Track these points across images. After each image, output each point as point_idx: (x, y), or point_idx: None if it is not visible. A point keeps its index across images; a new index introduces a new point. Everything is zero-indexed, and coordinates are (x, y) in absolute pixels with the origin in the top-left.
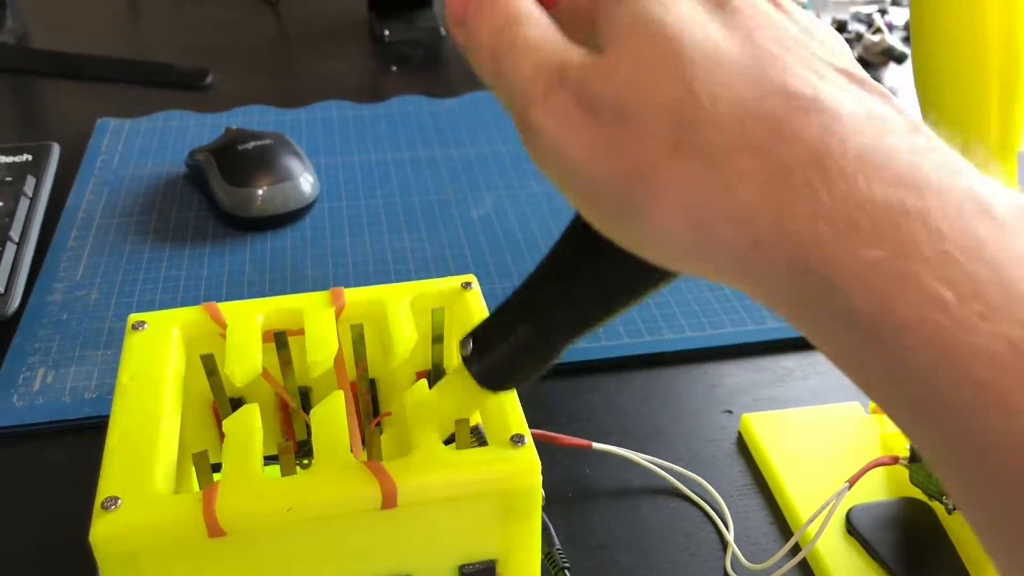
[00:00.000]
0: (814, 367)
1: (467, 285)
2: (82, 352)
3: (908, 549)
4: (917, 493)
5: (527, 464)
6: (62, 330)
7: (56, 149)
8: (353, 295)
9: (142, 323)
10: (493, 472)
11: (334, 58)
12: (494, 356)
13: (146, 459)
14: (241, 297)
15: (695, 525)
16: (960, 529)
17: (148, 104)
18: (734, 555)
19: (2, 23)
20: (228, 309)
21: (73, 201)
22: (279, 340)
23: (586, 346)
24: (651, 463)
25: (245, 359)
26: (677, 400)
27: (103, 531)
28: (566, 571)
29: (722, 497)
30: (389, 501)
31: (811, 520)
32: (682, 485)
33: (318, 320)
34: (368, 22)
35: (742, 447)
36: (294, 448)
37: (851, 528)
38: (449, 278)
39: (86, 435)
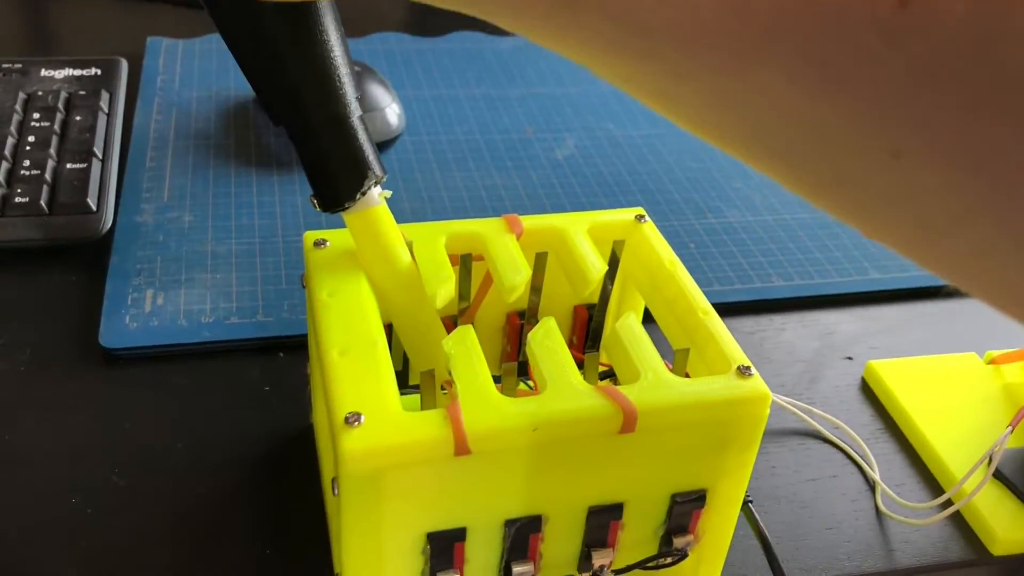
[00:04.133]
0: (922, 317)
1: (641, 218)
2: (189, 275)
3: None
4: None
5: (758, 393)
6: (162, 252)
7: (124, 65)
8: (530, 222)
9: (324, 241)
10: (726, 398)
11: None
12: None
13: (375, 376)
14: (340, 226)
15: (839, 467)
16: None
17: (192, 25)
18: (884, 493)
19: None
20: (409, 230)
21: (141, 121)
22: (464, 263)
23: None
24: (789, 404)
25: (442, 280)
26: (792, 346)
27: (352, 446)
28: (749, 504)
29: (860, 440)
30: (629, 425)
31: (977, 466)
32: (820, 427)
33: (503, 245)
34: None
35: (867, 393)
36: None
37: (999, 473)
38: (620, 210)
39: (208, 360)
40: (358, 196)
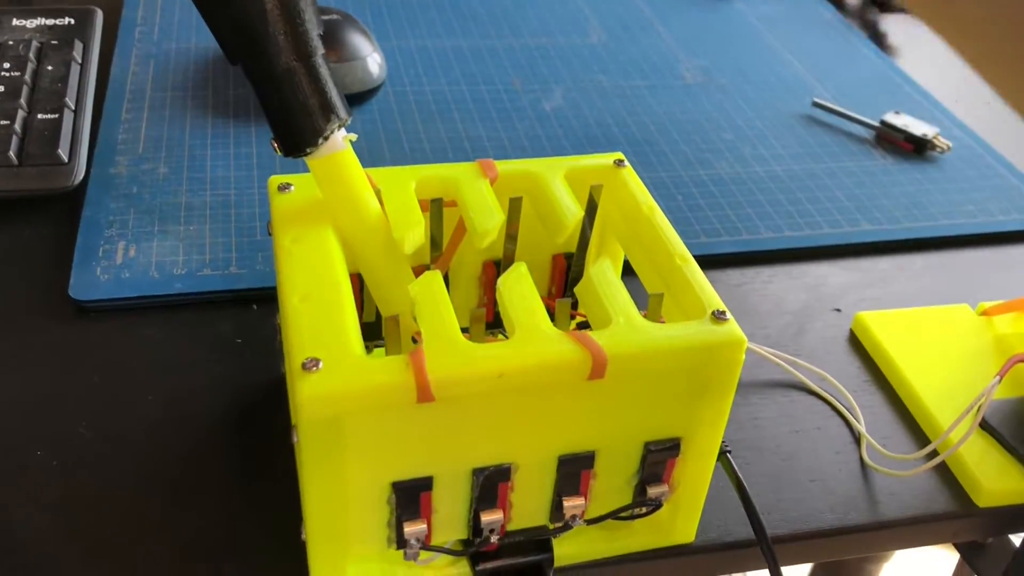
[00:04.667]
0: (913, 270)
1: (620, 163)
2: (162, 227)
3: None
4: None
5: (733, 338)
6: (135, 203)
7: (99, 15)
8: (505, 167)
9: (288, 185)
10: (702, 343)
11: None
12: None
13: (337, 321)
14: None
15: (824, 418)
16: None
17: None
18: (870, 445)
19: None
20: (378, 174)
21: (118, 72)
22: (435, 208)
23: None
24: (774, 355)
25: (411, 224)
26: (779, 298)
27: (309, 392)
28: (728, 454)
29: (847, 392)
30: (598, 371)
31: (964, 415)
32: (806, 379)
33: (476, 190)
34: None
35: (855, 345)
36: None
37: (985, 423)
38: (599, 155)
39: (179, 312)
40: (321, 141)
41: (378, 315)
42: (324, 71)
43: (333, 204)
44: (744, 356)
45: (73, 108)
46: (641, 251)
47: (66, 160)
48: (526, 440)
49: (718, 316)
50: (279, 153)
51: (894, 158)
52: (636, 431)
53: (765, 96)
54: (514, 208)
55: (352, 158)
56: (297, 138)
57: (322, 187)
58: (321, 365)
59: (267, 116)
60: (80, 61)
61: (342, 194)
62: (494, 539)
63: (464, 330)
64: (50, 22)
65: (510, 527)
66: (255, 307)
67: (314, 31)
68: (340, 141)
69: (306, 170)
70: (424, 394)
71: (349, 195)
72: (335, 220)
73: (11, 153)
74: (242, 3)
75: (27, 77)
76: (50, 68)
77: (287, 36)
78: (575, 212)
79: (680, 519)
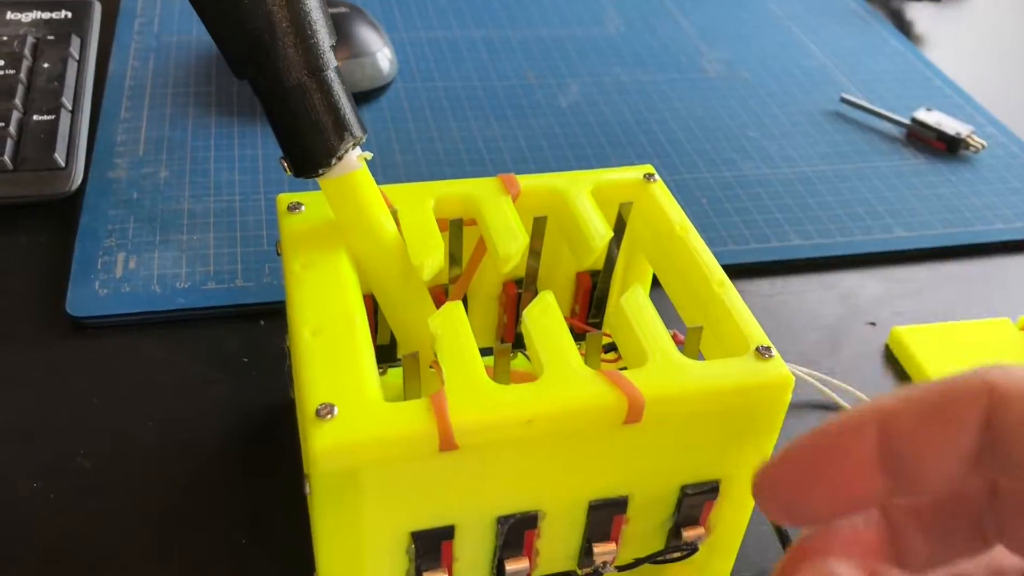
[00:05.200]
0: (947, 279)
1: (650, 176)
2: (163, 236)
3: None
4: None
5: (780, 378)
6: (136, 211)
7: (97, 7)
8: (528, 182)
9: (298, 204)
10: (744, 385)
11: None
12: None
13: (352, 361)
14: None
15: None
16: None
17: None
18: None
19: None
20: (394, 192)
21: (116, 68)
22: (455, 228)
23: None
24: (807, 375)
25: (430, 249)
26: (812, 310)
27: (323, 444)
28: None
29: None
30: (635, 415)
31: None
32: (840, 399)
33: (498, 209)
34: None
35: (891, 361)
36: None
37: None
38: (627, 168)
39: (182, 329)
40: (334, 161)
41: (393, 338)
42: (338, 86)
43: (346, 227)
44: (791, 396)
45: (70, 108)
46: (675, 274)
47: (63, 164)
48: (555, 486)
49: (762, 352)
50: (289, 173)
51: (926, 158)
52: (673, 474)
53: (790, 91)
54: (538, 228)
55: (367, 178)
56: (308, 158)
57: (335, 209)
58: (336, 412)
59: (276, 134)
60: (77, 57)
61: (356, 217)
62: None
63: (487, 351)
64: (46, 15)
65: (536, 574)
66: (262, 323)
67: (326, 42)
68: (355, 160)
69: (318, 187)
70: (447, 443)
71: (364, 218)
72: (348, 243)
73: (5, 157)
74: (247, 13)
75: (22, 75)
76: (46, 65)
77: (297, 49)
78: (603, 234)
79: (715, 561)
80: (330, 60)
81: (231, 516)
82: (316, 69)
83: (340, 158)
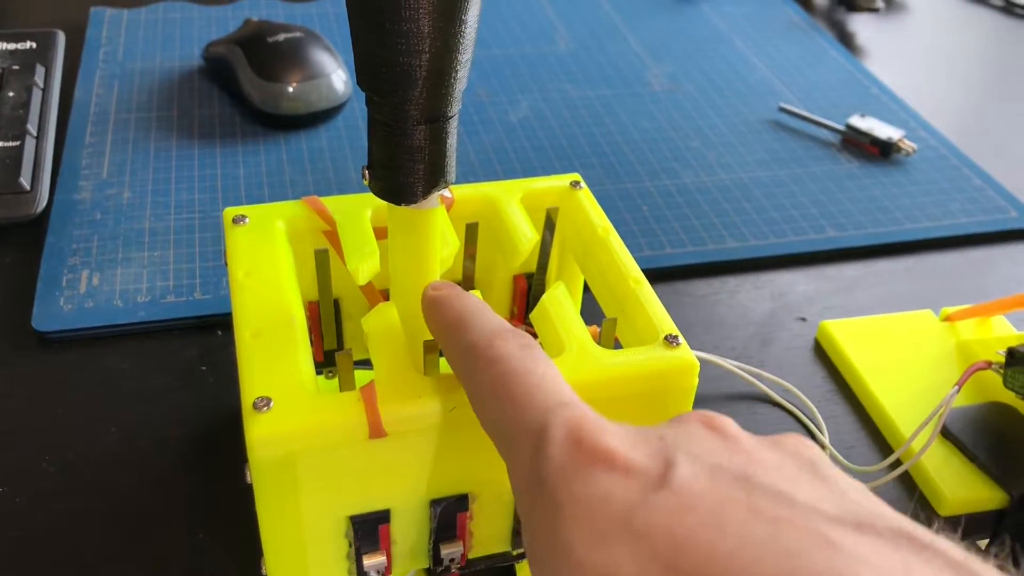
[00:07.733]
0: (878, 276)
1: (576, 184)
2: (126, 254)
3: (1004, 452)
4: (1007, 397)
5: (685, 363)
6: (99, 230)
7: (61, 37)
8: (461, 191)
9: (243, 217)
10: (653, 370)
11: None
12: (377, 164)
13: (289, 358)
14: (285, 198)
15: (788, 431)
16: None
17: None
18: (832, 457)
19: None
20: (332, 203)
21: (81, 95)
22: (470, 232)
23: (649, 254)
24: (737, 368)
25: (366, 255)
26: (745, 308)
27: (260, 433)
28: None
29: (810, 403)
30: None
31: (924, 424)
32: (770, 390)
33: (356, 223)
34: None
35: (820, 354)
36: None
37: (946, 431)
38: (555, 176)
39: (144, 340)
40: (420, 200)
41: (340, 343)
42: (452, 138)
43: (399, 252)
44: (697, 381)
45: (35, 134)
46: (597, 273)
47: (28, 188)
48: (483, 470)
49: (670, 340)
50: (366, 183)
51: (860, 162)
52: None
53: (731, 102)
54: (470, 233)
55: (440, 216)
56: (400, 191)
57: (395, 234)
58: (272, 404)
59: (371, 149)
60: (42, 86)
61: (414, 247)
62: (455, 568)
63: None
64: (12, 46)
65: (472, 555)
66: (219, 333)
67: (459, 91)
68: (435, 199)
69: (264, 201)
70: (376, 430)
71: (421, 250)
72: (392, 263)
73: None
74: (393, 40)
75: None
76: (11, 94)
77: (438, 92)
78: (530, 237)
79: None
80: (456, 110)
81: (191, 514)
82: (444, 117)
83: (426, 198)
